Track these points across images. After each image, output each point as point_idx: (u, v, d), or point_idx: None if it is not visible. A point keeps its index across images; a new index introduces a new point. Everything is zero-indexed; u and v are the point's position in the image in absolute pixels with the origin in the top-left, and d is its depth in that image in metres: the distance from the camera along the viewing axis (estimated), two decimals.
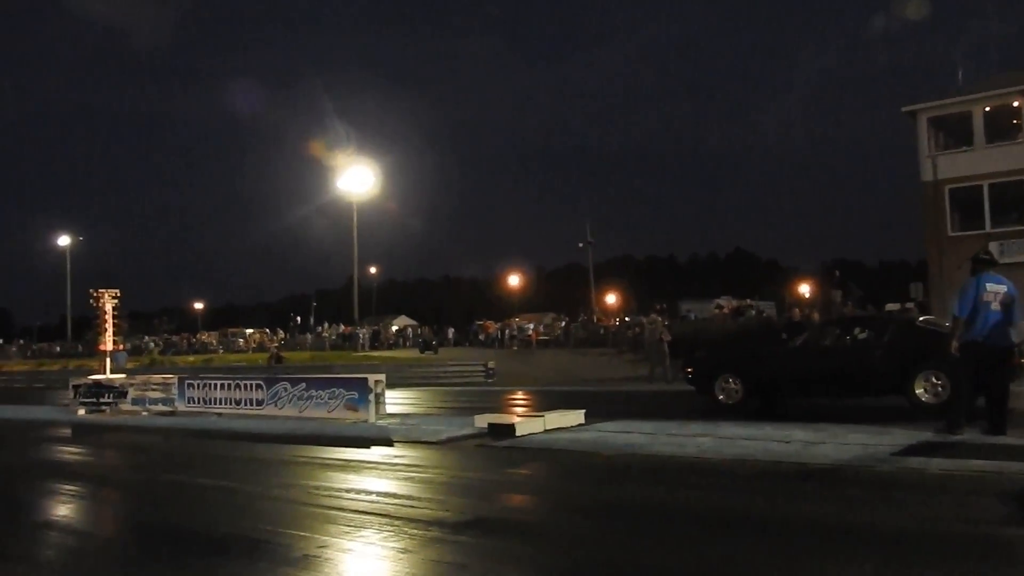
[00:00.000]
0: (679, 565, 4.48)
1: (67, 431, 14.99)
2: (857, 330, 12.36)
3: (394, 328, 55.18)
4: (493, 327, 46.03)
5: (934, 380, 10.66)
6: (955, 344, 8.39)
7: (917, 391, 10.77)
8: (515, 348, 40.08)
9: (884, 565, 4.22)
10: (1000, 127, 29.83)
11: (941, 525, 5.19)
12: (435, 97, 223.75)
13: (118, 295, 18.83)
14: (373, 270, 78.82)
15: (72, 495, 7.95)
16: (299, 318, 63.65)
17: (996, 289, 8.29)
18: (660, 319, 29.07)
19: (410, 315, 78.80)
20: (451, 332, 48.09)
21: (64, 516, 6.96)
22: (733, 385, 12.64)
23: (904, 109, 30.96)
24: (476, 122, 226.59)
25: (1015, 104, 29.13)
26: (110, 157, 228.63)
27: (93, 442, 13.28)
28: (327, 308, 76.51)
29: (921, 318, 12.96)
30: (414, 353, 40.80)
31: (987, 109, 29.41)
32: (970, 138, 29.88)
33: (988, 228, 28.69)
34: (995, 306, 8.23)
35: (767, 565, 4.34)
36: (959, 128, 30.42)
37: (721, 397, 12.74)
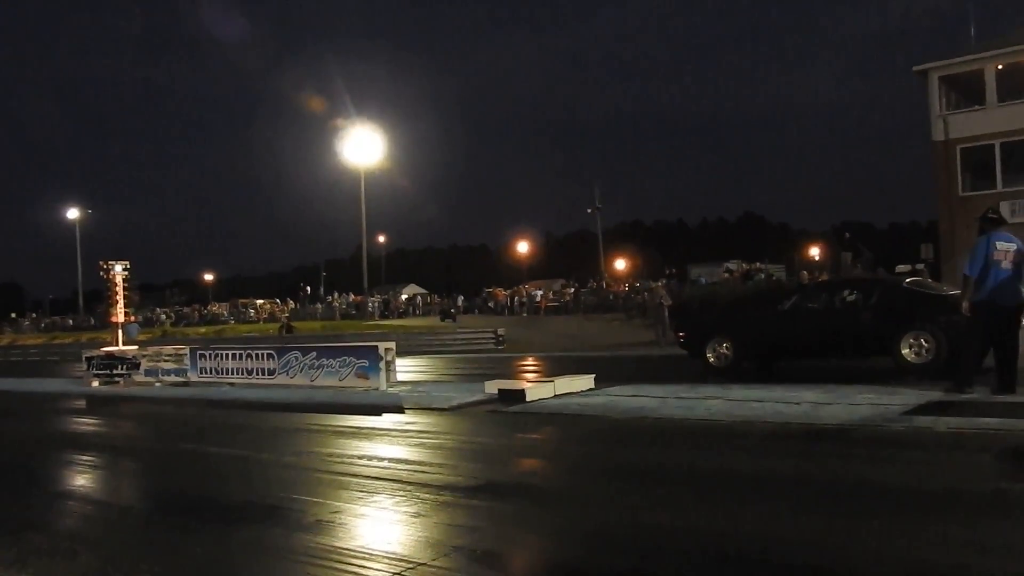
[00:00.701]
0: (689, 526, 4.52)
1: (82, 403, 15.17)
2: (845, 292, 12.45)
3: (403, 297, 55.31)
4: (503, 294, 46.08)
5: (920, 341, 10.84)
6: (966, 303, 8.37)
7: (903, 351, 10.94)
8: (525, 315, 40.17)
9: (893, 521, 4.25)
10: (1013, 85, 29.36)
11: (950, 482, 5.21)
12: (442, 64, 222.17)
13: (128, 267, 18.88)
14: (382, 239, 78.87)
15: (88, 465, 8.05)
16: (309, 288, 63.84)
17: (1006, 248, 8.24)
18: (661, 284, 29.14)
19: (419, 283, 78.99)
20: (461, 300, 48.20)
21: (81, 485, 7.07)
22: (724, 348, 12.75)
23: (915, 68, 30.52)
24: (484, 88, 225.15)
25: None
26: (119, 129, 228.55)
27: (108, 413, 13.44)
28: (337, 277, 76.77)
29: (907, 280, 13.00)
30: (424, 321, 40.97)
31: (999, 67, 28.95)
32: (982, 97, 29.47)
33: (999, 188, 28.37)
34: (1005, 264, 8.19)
35: (777, 523, 4.37)
36: (971, 87, 29.99)
37: (712, 360, 12.85)
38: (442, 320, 39.70)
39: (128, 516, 5.81)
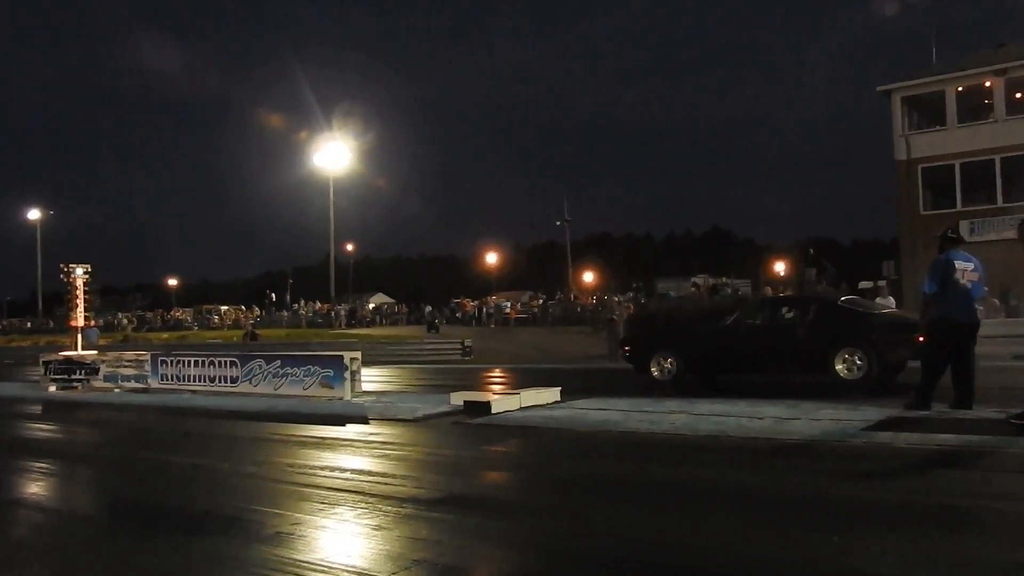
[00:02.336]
0: (653, 539, 4.53)
1: (37, 408, 14.85)
2: (783, 309, 12.87)
3: (371, 306, 55.02)
4: (471, 305, 46.04)
5: (852, 357, 11.20)
6: (924, 321, 8.52)
7: (837, 367, 11.30)
8: (492, 326, 40.14)
9: (848, 535, 4.30)
10: (972, 107, 30.16)
11: (905, 496, 5.29)
12: (411, 72, 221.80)
13: (89, 270, 18.56)
14: (350, 247, 78.27)
15: (43, 472, 7.87)
16: (275, 295, 63.23)
17: (964, 267, 8.41)
18: (613, 299, 29.37)
19: (387, 292, 78.59)
20: (428, 310, 48.08)
21: (34, 493, 6.88)
22: (668, 362, 12.98)
23: (879, 88, 31.17)
24: (453, 97, 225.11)
25: (987, 84, 29.41)
26: (84, 131, 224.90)
27: (64, 419, 13.14)
28: (304, 285, 75.95)
29: (843, 298, 13.35)
30: (391, 330, 40.78)
31: (960, 89, 29.67)
32: (943, 118, 30.16)
33: (959, 207, 29.04)
34: (963, 283, 8.36)
35: (736, 536, 4.39)
36: (932, 108, 30.69)
37: (656, 374, 13.06)
38: (428, 331, 38.55)
39: (82, 525, 5.69)
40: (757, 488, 5.79)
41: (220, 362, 14.84)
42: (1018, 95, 29.49)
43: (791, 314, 12.43)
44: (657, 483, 6.21)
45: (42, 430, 12.07)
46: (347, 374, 12.86)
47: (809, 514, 4.92)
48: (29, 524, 5.75)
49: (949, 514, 4.84)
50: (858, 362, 11.13)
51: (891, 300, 15.63)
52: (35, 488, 7.15)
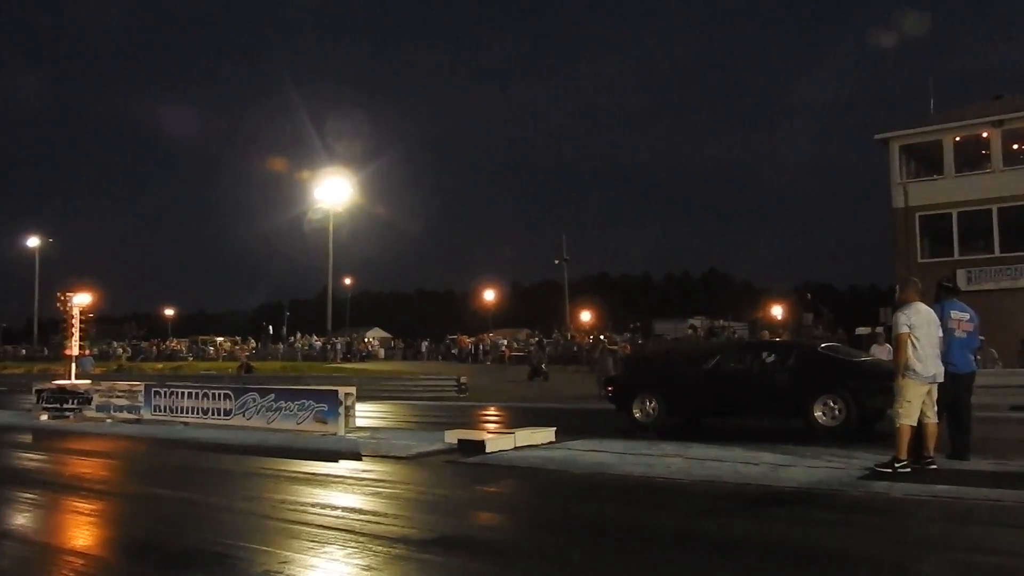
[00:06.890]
0: None
1: (28, 437, 14.74)
2: (764, 354, 12.88)
3: (368, 340, 54.96)
4: (467, 342, 46.00)
5: (831, 404, 11.19)
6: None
7: (815, 414, 11.26)
8: (489, 363, 40.05)
9: None
10: (970, 157, 30.40)
11: (900, 549, 5.24)
12: (413, 110, 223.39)
13: (86, 299, 18.55)
14: (348, 281, 78.35)
15: (29, 503, 7.80)
16: (271, 327, 63.08)
17: (960, 316, 8.44)
18: (604, 340, 29.43)
19: (384, 327, 78.47)
20: (424, 345, 48.04)
21: (20, 525, 6.82)
22: (650, 404, 12.95)
23: (877, 136, 31.42)
24: (454, 136, 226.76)
25: (984, 135, 29.68)
26: (83, 160, 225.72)
27: (54, 449, 13.04)
28: (300, 318, 75.88)
29: (823, 345, 13.35)
30: (387, 365, 40.62)
31: (957, 139, 29.94)
32: (940, 167, 30.39)
33: (956, 255, 29.13)
34: (959, 333, 8.37)
35: None
36: (930, 156, 30.92)
37: (638, 415, 13.04)
38: (530, 379, 31.25)
39: (67, 559, 5.60)
40: (751, 538, 5.72)
41: (214, 394, 14.76)
42: (1015, 146, 29.78)
43: (772, 359, 12.44)
44: (651, 529, 6.14)
45: (31, 460, 11.96)
46: (341, 409, 12.79)
47: (801, 565, 4.86)
48: (14, 557, 5.68)
49: (942, 566, 4.79)
50: (836, 409, 11.10)
51: (888, 347, 15.55)
52: (21, 520, 7.08)
